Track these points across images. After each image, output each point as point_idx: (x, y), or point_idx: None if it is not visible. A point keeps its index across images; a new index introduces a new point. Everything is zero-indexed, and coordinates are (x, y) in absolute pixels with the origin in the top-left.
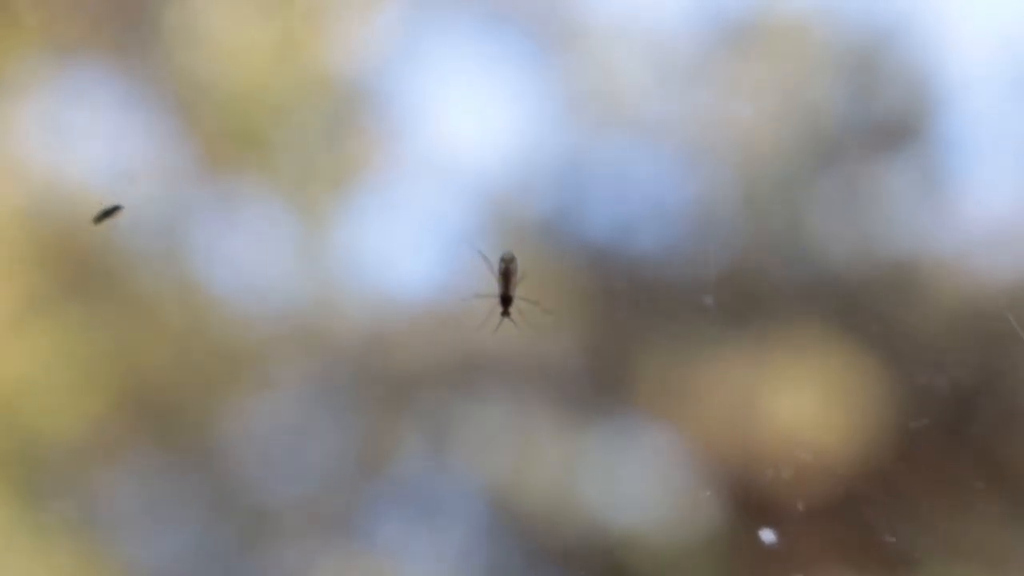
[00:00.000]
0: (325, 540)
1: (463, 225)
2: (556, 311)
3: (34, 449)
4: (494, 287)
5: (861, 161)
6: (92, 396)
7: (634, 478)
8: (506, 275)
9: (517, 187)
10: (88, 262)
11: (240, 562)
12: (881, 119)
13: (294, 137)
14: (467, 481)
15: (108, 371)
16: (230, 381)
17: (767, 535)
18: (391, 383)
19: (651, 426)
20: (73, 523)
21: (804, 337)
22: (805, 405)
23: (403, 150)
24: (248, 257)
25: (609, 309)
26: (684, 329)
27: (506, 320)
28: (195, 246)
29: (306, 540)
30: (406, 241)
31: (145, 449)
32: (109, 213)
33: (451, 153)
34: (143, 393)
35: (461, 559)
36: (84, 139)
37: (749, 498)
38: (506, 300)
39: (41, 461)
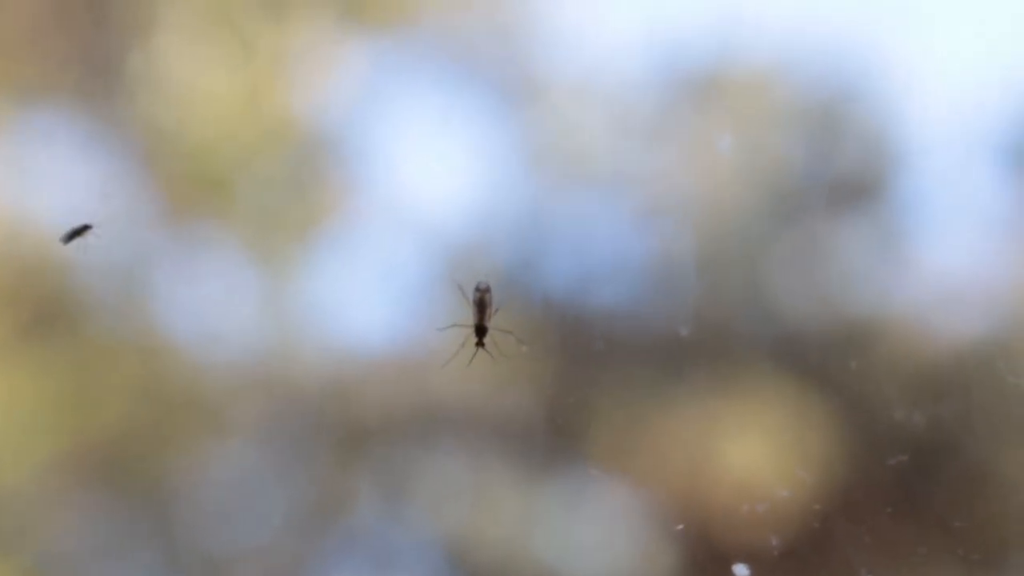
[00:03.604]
0: None
1: (423, 276)
2: (531, 343)
3: None
4: (469, 317)
5: (820, 218)
6: (45, 441)
7: (590, 531)
8: (481, 304)
9: (478, 239)
10: (46, 306)
11: None
12: (841, 177)
13: (257, 185)
14: (423, 533)
15: (62, 416)
16: (186, 428)
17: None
18: (348, 433)
19: (608, 479)
20: (24, 571)
21: (762, 392)
22: (761, 459)
23: (365, 200)
24: (208, 304)
25: (567, 362)
26: (642, 383)
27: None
28: (155, 292)
29: None
30: (367, 291)
31: (98, 496)
32: (79, 232)
33: (413, 204)
34: (97, 439)
35: None
36: (45, 182)
37: (704, 551)
38: (480, 330)
39: None
